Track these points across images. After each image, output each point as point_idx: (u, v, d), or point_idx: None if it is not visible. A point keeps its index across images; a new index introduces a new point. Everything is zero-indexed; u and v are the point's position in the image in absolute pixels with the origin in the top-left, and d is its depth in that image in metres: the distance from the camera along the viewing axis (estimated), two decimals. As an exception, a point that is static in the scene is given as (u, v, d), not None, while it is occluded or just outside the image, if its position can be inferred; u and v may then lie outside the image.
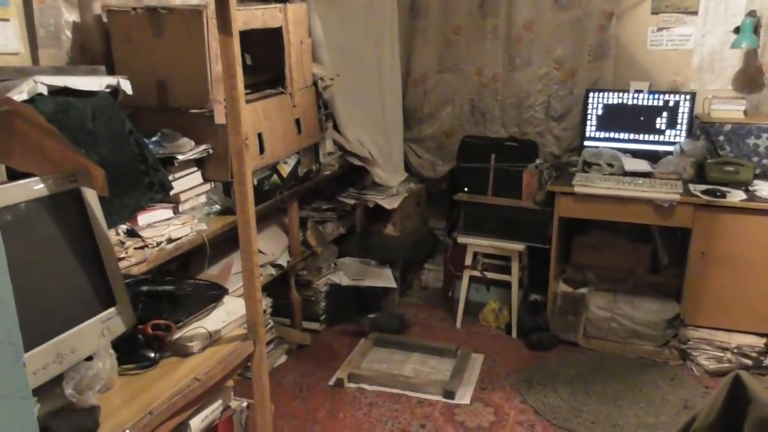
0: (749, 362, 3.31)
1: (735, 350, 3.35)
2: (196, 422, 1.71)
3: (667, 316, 3.55)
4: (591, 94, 3.88)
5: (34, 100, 1.78)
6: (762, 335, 3.31)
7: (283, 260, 3.48)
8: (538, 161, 3.89)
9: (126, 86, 2.13)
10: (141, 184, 2.17)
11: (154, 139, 2.52)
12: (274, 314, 3.55)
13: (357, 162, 3.88)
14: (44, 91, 1.81)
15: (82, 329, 1.49)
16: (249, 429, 1.96)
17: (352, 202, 4.00)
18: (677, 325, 3.55)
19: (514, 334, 3.81)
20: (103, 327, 1.55)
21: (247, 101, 2.83)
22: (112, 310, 1.58)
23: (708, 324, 3.43)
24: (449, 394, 3.20)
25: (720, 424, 1.35)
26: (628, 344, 3.62)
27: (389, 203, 3.95)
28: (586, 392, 3.24)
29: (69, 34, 2.47)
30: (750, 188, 3.40)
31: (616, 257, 3.90)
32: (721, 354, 3.37)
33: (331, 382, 3.34)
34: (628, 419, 3.03)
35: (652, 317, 3.57)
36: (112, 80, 2.10)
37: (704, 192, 3.37)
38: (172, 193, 2.45)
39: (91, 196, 1.57)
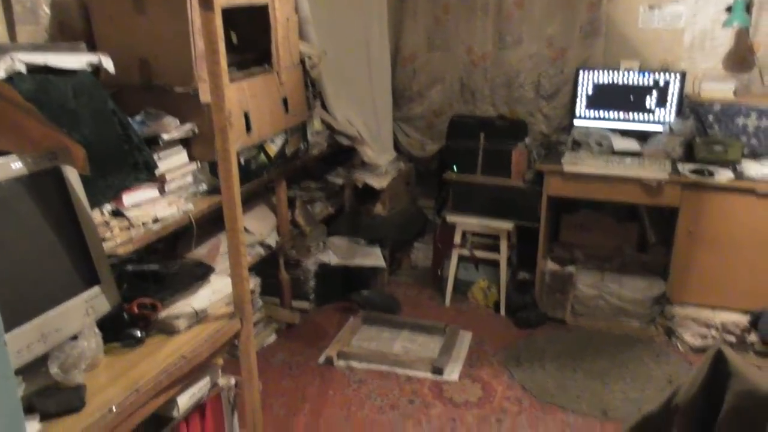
0: (733, 339, 3.35)
1: (719, 327, 3.38)
2: (184, 399, 1.71)
3: (653, 294, 3.58)
4: (581, 73, 3.87)
5: (12, 78, 1.75)
6: (746, 313, 3.34)
7: (272, 240, 3.48)
8: (527, 140, 3.88)
9: (108, 64, 2.10)
10: (125, 163, 2.17)
11: (137, 118, 2.49)
12: (263, 294, 3.56)
13: (345, 141, 3.86)
14: (23, 69, 1.78)
15: (66, 308, 1.49)
16: (237, 406, 1.97)
17: (340, 181, 3.99)
18: (663, 303, 3.58)
19: (502, 311, 3.83)
20: (87, 306, 1.54)
21: (233, 80, 2.81)
22: (96, 289, 1.58)
23: (693, 301, 3.47)
24: (438, 371, 3.22)
25: (701, 397, 1.36)
26: (614, 321, 3.66)
27: (378, 182, 3.95)
28: (573, 368, 3.27)
29: (47, 10, 2.40)
30: (738, 167, 3.41)
31: (604, 236, 3.92)
32: (706, 331, 3.40)
33: (321, 360, 3.36)
34: (614, 394, 3.06)
35: (638, 295, 3.59)
36: (93, 58, 2.07)
37: (692, 171, 3.38)
38: (157, 172, 2.44)
39: (72, 175, 1.55)
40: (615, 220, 3.93)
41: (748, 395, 1.25)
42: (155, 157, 2.40)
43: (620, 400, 3.02)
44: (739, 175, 3.33)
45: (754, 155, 3.54)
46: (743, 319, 3.35)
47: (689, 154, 3.53)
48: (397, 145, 4.40)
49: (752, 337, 3.31)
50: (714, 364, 1.35)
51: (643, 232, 3.87)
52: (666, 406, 1.44)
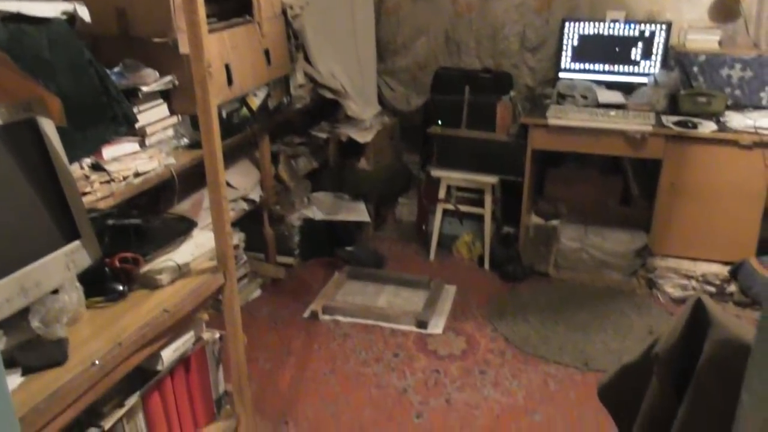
0: (713, 290, 3.40)
1: (700, 278, 3.43)
2: (168, 353, 1.71)
3: (635, 247, 3.62)
4: (567, 24, 3.82)
5: (-16, 26, 1.69)
6: (726, 264, 3.40)
7: (255, 195, 3.48)
8: (512, 93, 3.85)
9: (83, 13, 2.04)
10: (104, 116, 2.13)
11: (115, 70, 2.44)
12: (247, 249, 3.57)
13: (329, 95, 3.81)
14: (-6, 17, 1.72)
15: (46, 262, 1.47)
16: (222, 360, 1.98)
17: (324, 136, 3.96)
18: (645, 255, 3.62)
19: (486, 266, 3.85)
20: (67, 260, 1.53)
21: (213, 30, 2.76)
22: (76, 243, 1.56)
23: (675, 253, 3.51)
24: (422, 324, 3.25)
25: (681, 346, 1.38)
26: (597, 274, 3.70)
27: (362, 137, 3.92)
28: (555, 321, 3.32)
29: (20, -43, 2.32)
30: (721, 119, 3.42)
31: (588, 190, 3.93)
32: (686, 282, 3.46)
33: (306, 314, 3.38)
34: (595, 345, 3.12)
35: (620, 248, 3.63)
36: (68, 6, 2.01)
37: (676, 123, 3.38)
38: (137, 126, 2.41)
39: (48, 127, 1.52)
40: (599, 174, 3.95)
41: (727, 344, 1.27)
42: (135, 110, 2.36)
43: (601, 351, 3.07)
44: (722, 127, 3.33)
45: (738, 107, 3.55)
46: (723, 270, 3.40)
47: (674, 107, 3.52)
48: (381, 99, 4.35)
49: (732, 288, 3.37)
50: (693, 313, 1.37)
51: (627, 186, 3.89)
52: (646, 356, 1.46)
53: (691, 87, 3.60)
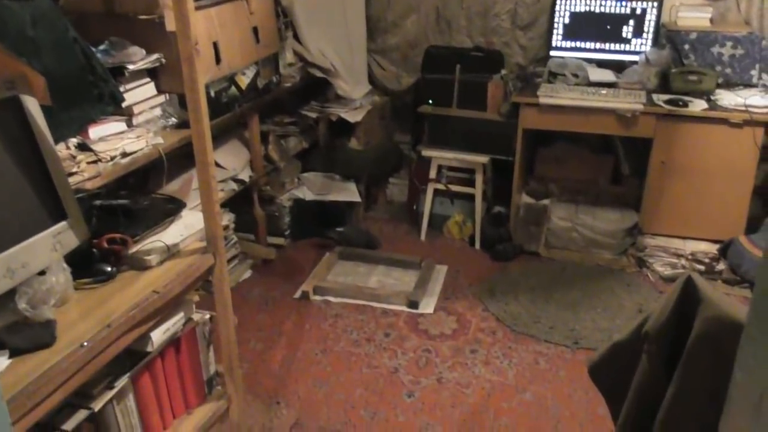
0: (702, 268, 3.42)
1: (689, 257, 3.45)
2: (158, 334, 1.71)
3: (626, 226, 3.63)
4: (558, 2, 3.79)
5: (-36, 2, 1.65)
6: (715, 242, 3.42)
7: (245, 175, 3.46)
8: (503, 72, 3.82)
9: (67, -11, 1.99)
10: (90, 95, 2.08)
11: (101, 47, 2.40)
12: (238, 230, 3.56)
13: (319, 74, 3.78)
14: (-25, -8, 1.68)
15: (32, 243, 1.45)
16: (213, 341, 1.97)
17: (314, 115, 3.93)
18: (635, 234, 3.63)
19: (477, 245, 3.85)
20: (54, 241, 1.51)
21: (200, 7, 2.72)
22: (63, 224, 1.54)
23: (665, 232, 3.52)
24: (413, 304, 3.26)
25: (671, 323, 1.38)
26: (587, 253, 3.71)
27: (352, 116, 3.89)
28: (545, 300, 3.33)
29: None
30: (712, 97, 3.41)
31: (579, 169, 3.92)
32: (676, 260, 3.47)
33: (297, 295, 3.37)
34: (585, 324, 3.13)
35: (611, 227, 3.64)
36: (51, -18, 1.96)
37: (667, 102, 3.37)
38: (124, 105, 2.38)
39: (32, 106, 1.49)
40: (590, 153, 3.93)
41: (716, 321, 1.27)
42: (121, 89, 2.32)
43: (591, 330, 3.09)
44: (713, 105, 3.33)
45: (729, 85, 3.54)
46: (712, 249, 3.42)
47: (665, 85, 3.51)
48: (371, 79, 4.31)
49: (721, 266, 3.39)
50: (684, 290, 1.37)
51: (618, 164, 3.89)
52: (636, 334, 1.46)
53: (683, 65, 3.59)
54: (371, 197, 4.33)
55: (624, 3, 3.69)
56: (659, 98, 3.41)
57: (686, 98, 3.37)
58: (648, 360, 1.41)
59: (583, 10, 3.76)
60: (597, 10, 3.74)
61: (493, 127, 3.74)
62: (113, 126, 2.42)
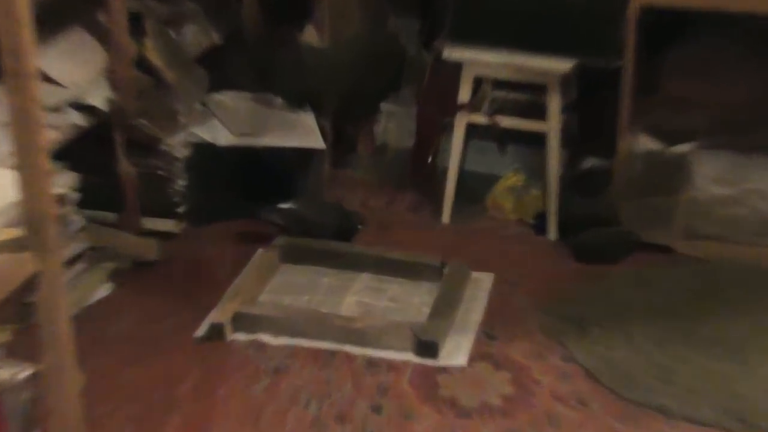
0: None
1: None
2: None
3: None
4: None
5: None
6: None
7: (100, 99, 2.62)
8: None
9: None
10: None
11: None
12: (87, 206, 2.58)
13: None
14: None
15: None
16: (39, 419, 1.49)
17: (233, -20, 2.88)
18: None
19: (551, 234, 2.81)
20: None
21: None
22: None
23: None
24: (428, 349, 2.39)
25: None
26: (764, 247, 2.68)
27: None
28: (684, 339, 2.45)
29: None
30: None
31: (741, 85, 2.79)
32: None
33: (201, 331, 2.44)
34: (759, 383, 2.21)
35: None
36: None
37: None
38: None
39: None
40: (756, 56, 2.81)
41: None
42: None
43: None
44: None
45: None
46: None
47: None
48: None
49: None
50: None
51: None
52: None
53: None
54: (345, 141, 3.27)
55: None
56: None
57: None
58: None
59: None
60: None
61: (579, 5, 2.74)
62: None
